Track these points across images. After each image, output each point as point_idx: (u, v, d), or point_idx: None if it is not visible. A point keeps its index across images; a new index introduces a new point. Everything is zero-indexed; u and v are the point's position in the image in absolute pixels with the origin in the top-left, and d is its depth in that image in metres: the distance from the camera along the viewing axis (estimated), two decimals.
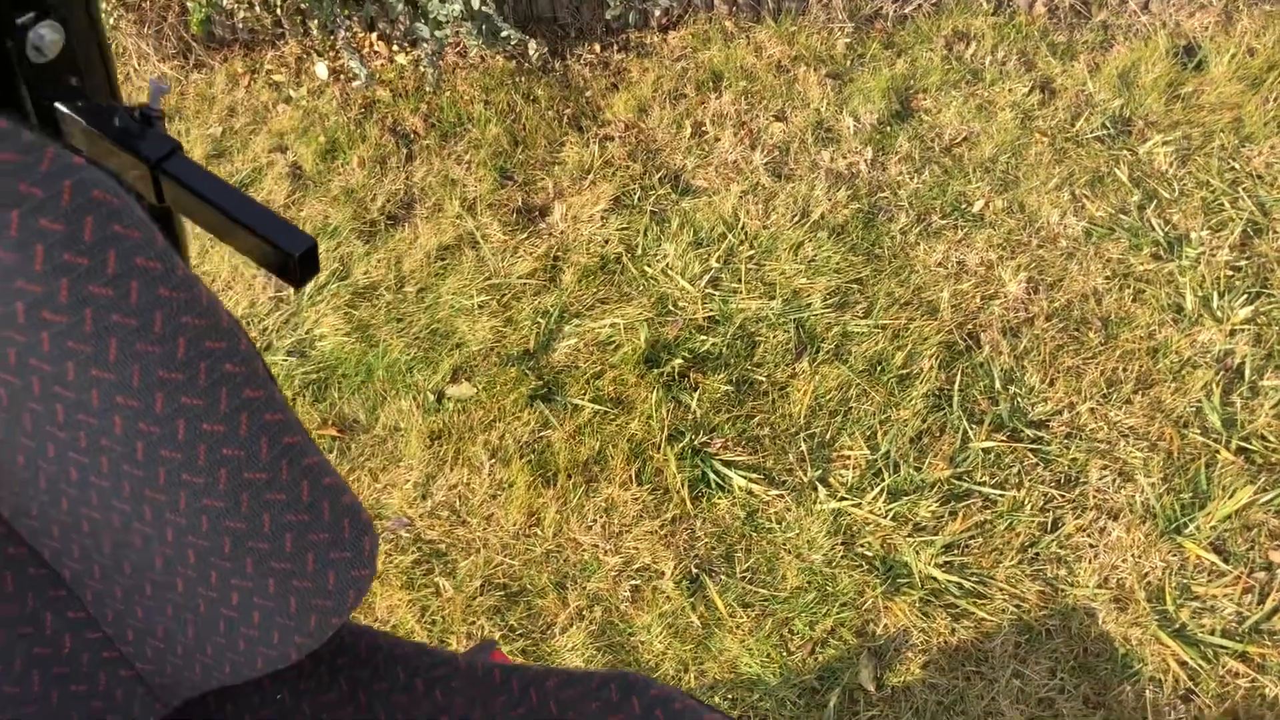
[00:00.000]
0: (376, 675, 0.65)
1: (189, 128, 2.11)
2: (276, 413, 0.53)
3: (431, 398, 1.72)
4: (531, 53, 2.07)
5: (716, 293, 1.81)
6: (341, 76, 2.13)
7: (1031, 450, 1.61)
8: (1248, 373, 1.67)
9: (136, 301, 0.50)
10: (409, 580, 1.55)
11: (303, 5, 2.04)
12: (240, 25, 2.18)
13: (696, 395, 1.69)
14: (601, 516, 1.58)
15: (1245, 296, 1.76)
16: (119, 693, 0.62)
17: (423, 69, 2.10)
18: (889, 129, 2.05)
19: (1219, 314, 1.74)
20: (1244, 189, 1.90)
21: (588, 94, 2.13)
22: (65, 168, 0.49)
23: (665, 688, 0.58)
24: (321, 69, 2.12)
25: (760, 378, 1.71)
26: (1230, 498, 1.52)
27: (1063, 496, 1.57)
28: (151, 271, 0.50)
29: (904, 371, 1.71)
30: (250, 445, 0.53)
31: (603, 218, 1.92)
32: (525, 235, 1.91)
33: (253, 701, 0.67)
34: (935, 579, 1.49)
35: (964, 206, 1.92)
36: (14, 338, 0.50)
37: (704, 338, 1.75)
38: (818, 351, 1.73)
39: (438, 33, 2.03)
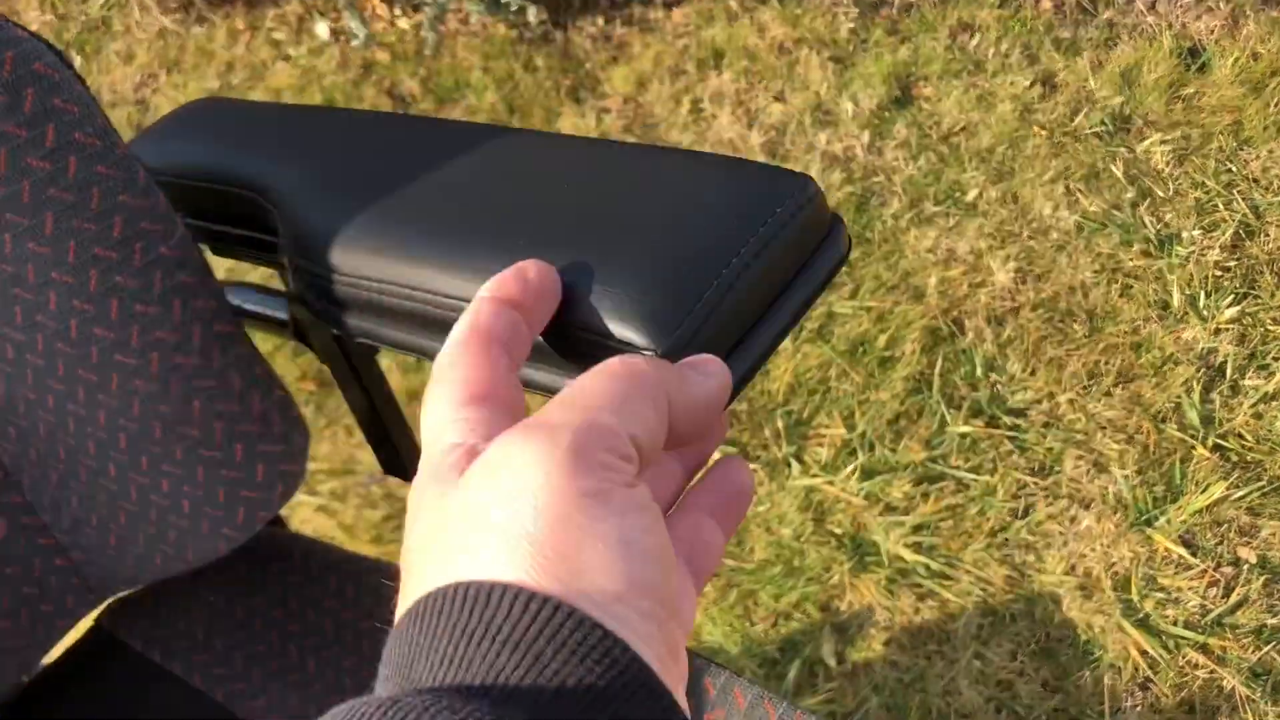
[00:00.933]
0: (309, 580, 0.66)
1: (187, 81, 2.12)
2: (210, 299, 0.54)
3: (411, 359, 1.73)
4: (532, 20, 2.07)
5: None
6: (342, 37, 2.14)
7: (1008, 437, 1.62)
8: (1229, 372, 1.67)
9: (74, 176, 0.50)
10: (378, 535, 1.56)
11: None
12: None
13: None
14: None
15: (1232, 297, 1.76)
16: (53, 580, 0.63)
17: (423, 33, 2.11)
18: (888, 115, 2.06)
19: (1205, 313, 1.74)
20: (1238, 191, 1.90)
21: (587, 66, 2.13)
22: (8, 40, 0.49)
23: None
24: (322, 28, 2.13)
25: None
26: (1203, 493, 1.52)
27: (1036, 484, 1.57)
28: (90, 148, 0.50)
29: (886, 354, 1.71)
30: (184, 329, 0.53)
31: None
32: None
33: (184, 602, 0.67)
34: (903, 559, 1.50)
35: (958, 195, 1.93)
36: None
37: None
38: (801, 330, 1.74)
39: None
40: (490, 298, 0.35)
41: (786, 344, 1.70)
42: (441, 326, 0.45)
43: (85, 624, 0.69)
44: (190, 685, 0.64)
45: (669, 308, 0.39)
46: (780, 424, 1.63)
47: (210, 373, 0.54)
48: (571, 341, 0.40)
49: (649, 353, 0.38)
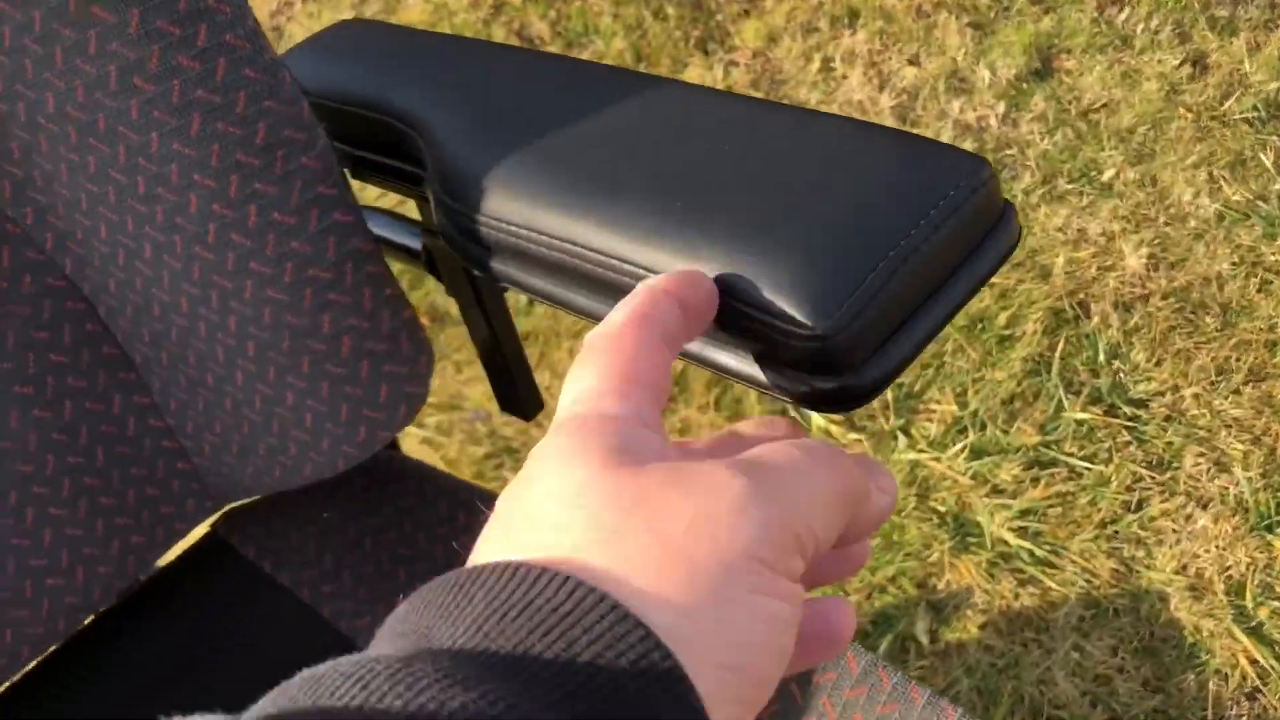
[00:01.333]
0: (423, 504, 0.66)
1: (321, 10, 2.14)
2: (347, 214, 0.54)
3: (524, 300, 1.73)
4: None
5: None
6: None
7: (1127, 428, 1.56)
8: None
9: (222, 79, 0.50)
10: (479, 472, 1.57)
11: None
12: None
13: None
14: (675, 436, 1.58)
15: None
16: (175, 484, 0.64)
17: None
18: (1025, 86, 1.98)
19: None
20: None
21: (718, 17, 2.10)
22: None
23: None
24: None
25: None
26: None
27: (1152, 478, 1.51)
28: (239, 50, 0.50)
29: (1006, 332, 1.66)
30: (319, 242, 0.53)
31: None
32: None
33: (298, 516, 0.68)
34: (1006, 542, 1.46)
35: (1093, 174, 1.85)
36: (105, 103, 0.50)
37: None
38: None
39: None
40: (658, 288, 0.34)
41: None
42: (590, 282, 0.44)
43: (200, 529, 0.71)
44: (298, 597, 0.65)
45: (833, 286, 0.37)
46: (890, 395, 1.60)
47: (342, 287, 0.54)
48: (727, 312, 0.39)
49: (806, 331, 0.37)
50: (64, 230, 0.56)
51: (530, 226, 0.46)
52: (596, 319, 0.47)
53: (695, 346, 0.43)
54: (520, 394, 0.68)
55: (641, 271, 0.42)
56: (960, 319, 1.67)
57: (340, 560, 0.65)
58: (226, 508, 0.68)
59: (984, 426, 1.56)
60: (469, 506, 0.65)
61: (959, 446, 1.54)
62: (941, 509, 1.49)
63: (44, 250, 0.57)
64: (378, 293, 0.55)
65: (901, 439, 1.55)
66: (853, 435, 1.56)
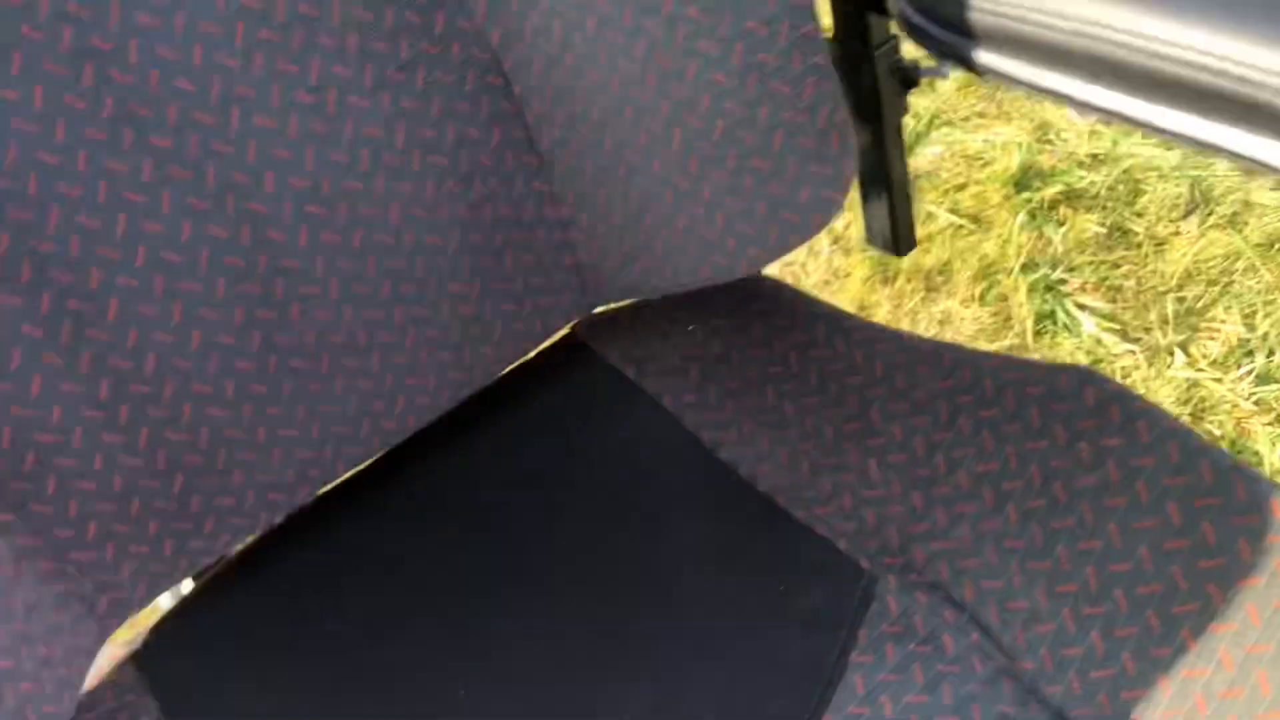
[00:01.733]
0: (795, 326, 0.64)
1: None
2: None
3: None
4: None
5: (1106, 130, 1.67)
6: None
7: None
8: None
9: None
10: None
11: None
12: None
13: (1063, 230, 1.58)
14: (936, 327, 1.53)
15: None
16: (558, 277, 0.64)
17: None
18: None
19: None
20: None
21: None
22: None
23: (1124, 387, 0.54)
24: None
25: (1137, 228, 1.58)
26: None
27: None
28: None
29: None
30: (773, 25, 0.51)
31: None
32: None
33: (664, 327, 0.67)
34: None
35: None
36: None
37: (1083, 174, 1.63)
38: (1210, 214, 1.58)
39: None
40: None
41: (1191, 226, 1.56)
42: (1116, 69, 0.40)
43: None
44: (660, 405, 0.65)
45: None
46: (1169, 309, 1.51)
47: (787, 75, 0.51)
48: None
49: None
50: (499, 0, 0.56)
51: (1038, 8, 0.42)
52: (1104, 112, 0.43)
53: (1237, 141, 0.39)
54: (897, 226, 0.65)
55: (1191, 56, 0.39)
56: (1255, 236, 1.55)
57: (706, 374, 0.65)
58: (593, 311, 0.68)
59: (1272, 352, 1.46)
60: (846, 334, 0.63)
61: (1243, 370, 1.44)
62: (1218, 432, 1.41)
63: (474, 19, 0.57)
64: (819, 86, 0.52)
65: (1179, 355, 1.46)
66: (1125, 346, 1.48)
